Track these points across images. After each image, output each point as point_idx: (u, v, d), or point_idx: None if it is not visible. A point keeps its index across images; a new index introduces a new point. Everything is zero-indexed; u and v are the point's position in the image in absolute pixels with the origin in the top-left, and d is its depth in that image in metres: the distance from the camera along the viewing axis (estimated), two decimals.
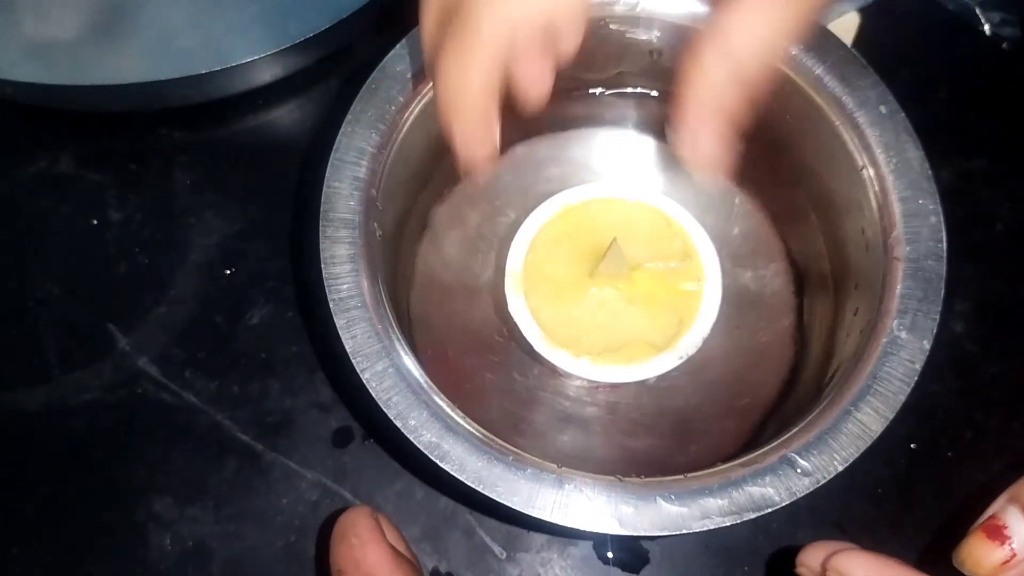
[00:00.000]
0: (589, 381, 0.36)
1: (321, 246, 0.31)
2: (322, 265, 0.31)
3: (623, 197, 0.39)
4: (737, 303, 0.39)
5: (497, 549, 0.38)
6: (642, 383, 0.37)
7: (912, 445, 0.40)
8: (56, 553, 0.37)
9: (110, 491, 0.38)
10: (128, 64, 0.45)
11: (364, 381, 0.29)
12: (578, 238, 0.38)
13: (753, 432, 0.37)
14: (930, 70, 0.48)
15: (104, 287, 0.42)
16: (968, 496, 0.39)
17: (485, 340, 0.38)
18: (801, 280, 0.39)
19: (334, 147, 0.33)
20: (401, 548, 0.31)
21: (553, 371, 0.37)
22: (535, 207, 0.38)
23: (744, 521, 0.28)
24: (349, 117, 0.33)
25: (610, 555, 0.38)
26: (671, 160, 0.42)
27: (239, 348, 0.41)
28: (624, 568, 0.38)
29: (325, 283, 0.30)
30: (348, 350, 0.30)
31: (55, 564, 0.37)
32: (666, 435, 0.38)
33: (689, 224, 0.38)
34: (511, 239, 0.38)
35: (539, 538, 0.38)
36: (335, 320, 0.30)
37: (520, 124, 0.41)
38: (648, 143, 0.42)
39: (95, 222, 0.43)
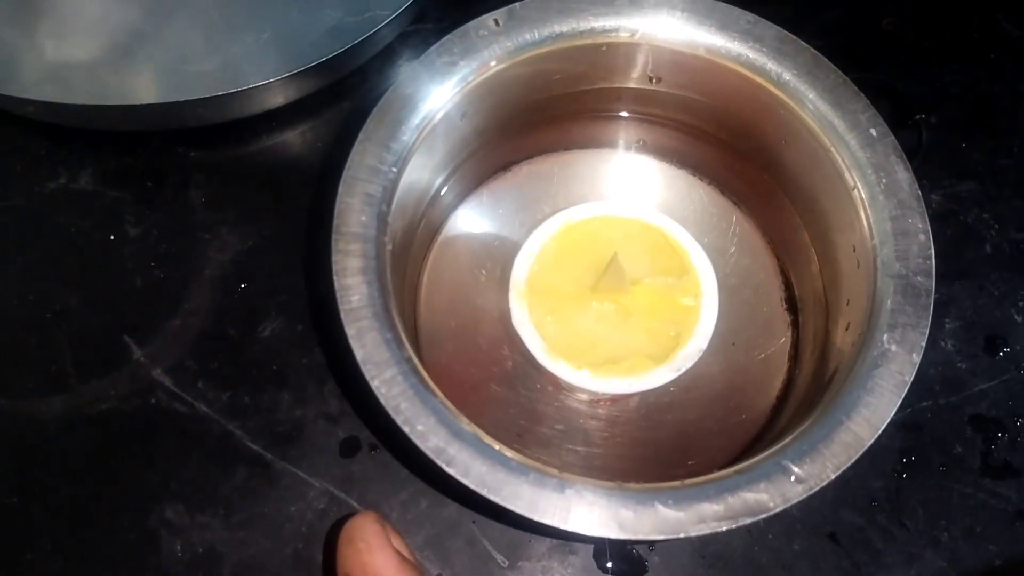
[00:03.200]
0: (590, 393, 0.38)
1: (333, 259, 0.32)
2: (334, 277, 0.31)
3: (623, 215, 0.40)
4: (734, 320, 0.40)
5: (499, 557, 0.38)
6: (642, 398, 0.38)
7: (904, 459, 0.40)
8: (69, 558, 0.38)
9: (123, 497, 0.39)
10: (146, 85, 0.47)
11: (373, 388, 0.30)
12: (580, 254, 0.39)
13: (748, 446, 0.38)
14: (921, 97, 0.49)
15: (121, 300, 0.43)
16: (958, 508, 0.40)
17: (489, 352, 0.39)
18: (795, 297, 0.40)
19: (347, 165, 0.33)
20: (405, 554, 0.31)
21: (555, 383, 0.38)
22: (539, 224, 0.40)
23: (739, 526, 0.29)
24: (361, 136, 0.34)
25: (609, 564, 0.38)
26: (670, 181, 0.43)
27: (251, 360, 0.42)
28: None
29: (337, 294, 0.31)
30: (358, 358, 0.30)
31: (68, 569, 0.38)
32: (664, 448, 0.38)
33: (687, 242, 0.39)
34: (515, 254, 0.39)
35: (540, 547, 0.38)
36: (346, 330, 0.31)
37: (525, 145, 0.43)
38: (648, 164, 0.44)
39: (113, 237, 0.44)
